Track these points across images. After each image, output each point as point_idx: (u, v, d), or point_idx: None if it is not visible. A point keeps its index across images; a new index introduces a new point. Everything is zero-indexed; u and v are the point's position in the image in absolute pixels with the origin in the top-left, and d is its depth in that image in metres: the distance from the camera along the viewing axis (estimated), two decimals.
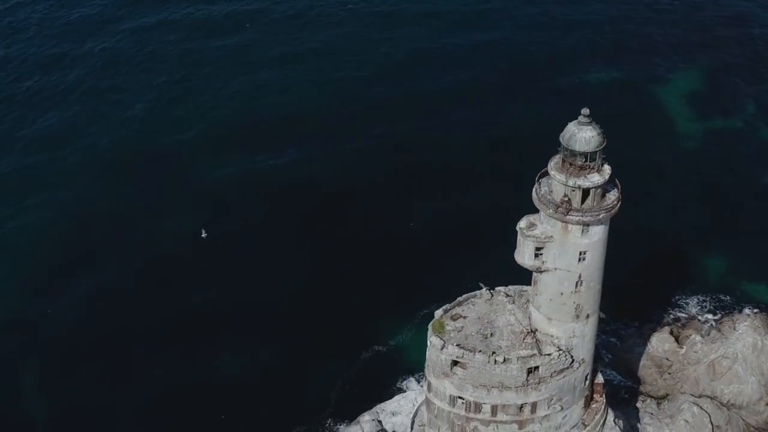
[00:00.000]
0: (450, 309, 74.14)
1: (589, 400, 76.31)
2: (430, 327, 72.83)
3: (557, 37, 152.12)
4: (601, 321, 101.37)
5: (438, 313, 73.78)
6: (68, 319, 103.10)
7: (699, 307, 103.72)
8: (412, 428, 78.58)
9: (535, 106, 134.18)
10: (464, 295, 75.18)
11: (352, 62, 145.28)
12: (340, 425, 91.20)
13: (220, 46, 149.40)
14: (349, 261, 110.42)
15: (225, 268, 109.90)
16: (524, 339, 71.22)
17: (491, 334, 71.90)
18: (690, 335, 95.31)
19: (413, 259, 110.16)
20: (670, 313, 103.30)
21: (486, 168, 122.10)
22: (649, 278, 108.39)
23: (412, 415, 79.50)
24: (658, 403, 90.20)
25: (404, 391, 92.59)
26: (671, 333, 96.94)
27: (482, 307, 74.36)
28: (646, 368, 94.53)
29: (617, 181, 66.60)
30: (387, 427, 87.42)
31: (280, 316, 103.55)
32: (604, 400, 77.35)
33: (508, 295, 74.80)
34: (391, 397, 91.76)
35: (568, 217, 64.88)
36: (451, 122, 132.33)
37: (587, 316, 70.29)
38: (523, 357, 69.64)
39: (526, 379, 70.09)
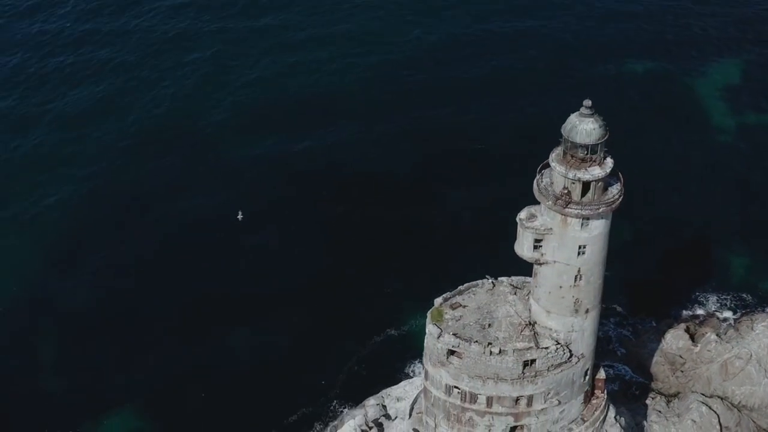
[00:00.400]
0: (450, 297, 73.57)
1: (589, 395, 75.36)
2: (428, 315, 72.42)
3: (594, 27, 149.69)
4: (617, 314, 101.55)
5: (437, 301, 73.30)
6: (95, 296, 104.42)
7: (719, 305, 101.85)
8: (410, 415, 78.34)
9: (567, 97, 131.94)
10: (465, 284, 74.56)
11: (385, 46, 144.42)
12: (345, 408, 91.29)
13: (253, 26, 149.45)
14: (370, 245, 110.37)
15: (252, 248, 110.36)
16: (522, 331, 70.47)
17: (489, 325, 71.22)
18: (706, 333, 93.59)
19: (434, 246, 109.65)
20: (689, 310, 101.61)
21: (515, 158, 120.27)
22: (671, 273, 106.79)
23: (411, 402, 79.24)
24: (668, 401, 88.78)
25: (411, 377, 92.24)
26: (687, 330, 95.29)
27: (483, 297, 73.67)
28: (658, 365, 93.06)
29: (620, 175, 65.46)
30: (390, 412, 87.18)
31: (298, 296, 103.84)
32: (605, 396, 76.34)
33: (514, 287, 74.05)
34: (397, 382, 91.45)
35: (567, 209, 63.89)
36: (480, 110, 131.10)
37: (587, 311, 69.25)
38: (520, 349, 68.91)
39: (522, 372, 69.35)
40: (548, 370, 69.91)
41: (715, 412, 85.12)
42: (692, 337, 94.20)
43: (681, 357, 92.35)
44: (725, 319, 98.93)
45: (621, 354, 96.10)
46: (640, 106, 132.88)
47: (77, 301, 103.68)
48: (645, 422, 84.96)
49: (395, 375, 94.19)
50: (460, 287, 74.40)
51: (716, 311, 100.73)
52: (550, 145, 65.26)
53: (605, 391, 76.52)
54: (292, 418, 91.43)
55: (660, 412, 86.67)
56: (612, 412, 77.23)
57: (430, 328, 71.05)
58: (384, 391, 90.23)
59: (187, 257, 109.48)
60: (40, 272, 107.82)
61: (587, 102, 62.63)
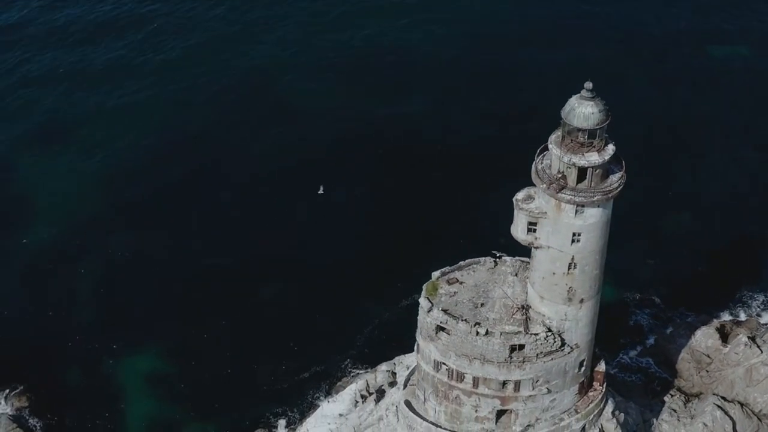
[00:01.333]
0: (449, 272, 72.00)
1: (586, 386, 72.93)
2: (424, 288, 71.12)
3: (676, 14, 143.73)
4: (654, 306, 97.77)
5: (435, 274, 71.87)
6: (157, 258, 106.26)
7: (762, 307, 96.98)
8: (404, 386, 77.38)
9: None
10: (467, 260, 72.83)
11: (493, 19, 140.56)
12: (359, 370, 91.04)
13: None
14: (419, 214, 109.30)
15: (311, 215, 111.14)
16: (513, 314, 68.48)
17: (482, 304, 69.47)
18: (738, 335, 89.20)
19: (483, 219, 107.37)
20: (731, 310, 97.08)
21: None
22: (718, 269, 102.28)
23: (407, 374, 78.26)
24: (687, 401, 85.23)
25: None
26: (721, 330, 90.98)
27: (482, 275, 71.84)
28: (684, 362, 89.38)
29: (623, 163, 62.41)
30: (398, 379, 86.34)
31: (340, 260, 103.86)
32: (603, 390, 73.68)
33: (516, 268, 71.95)
34: (412, 350, 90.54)
35: (560, 194, 61.35)
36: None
37: (581, 301, 66.67)
38: (507, 333, 67.03)
39: (510, 356, 67.48)
40: (537, 356, 67.82)
41: (731, 418, 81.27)
42: (725, 338, 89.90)
43: (708, 356, 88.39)
44: (766, 324, 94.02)
45: (649, 346, 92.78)
46: (719, 93, 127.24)
47: (138, 262, 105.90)
48: (654, 420, 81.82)
49: (413, 342, 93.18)
50: (461, 263, 72.71)
51: (758, 313, 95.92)
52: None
53: (604, 384, 73.87)
54: (303, 374, 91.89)
55: (674, 411, 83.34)
56: (610, 407, 74.58)
57: (422, 302, 69.79)
58: (397, 358, 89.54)
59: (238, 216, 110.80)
60: (103, 217, 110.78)
61: (588, 84, 59.60)
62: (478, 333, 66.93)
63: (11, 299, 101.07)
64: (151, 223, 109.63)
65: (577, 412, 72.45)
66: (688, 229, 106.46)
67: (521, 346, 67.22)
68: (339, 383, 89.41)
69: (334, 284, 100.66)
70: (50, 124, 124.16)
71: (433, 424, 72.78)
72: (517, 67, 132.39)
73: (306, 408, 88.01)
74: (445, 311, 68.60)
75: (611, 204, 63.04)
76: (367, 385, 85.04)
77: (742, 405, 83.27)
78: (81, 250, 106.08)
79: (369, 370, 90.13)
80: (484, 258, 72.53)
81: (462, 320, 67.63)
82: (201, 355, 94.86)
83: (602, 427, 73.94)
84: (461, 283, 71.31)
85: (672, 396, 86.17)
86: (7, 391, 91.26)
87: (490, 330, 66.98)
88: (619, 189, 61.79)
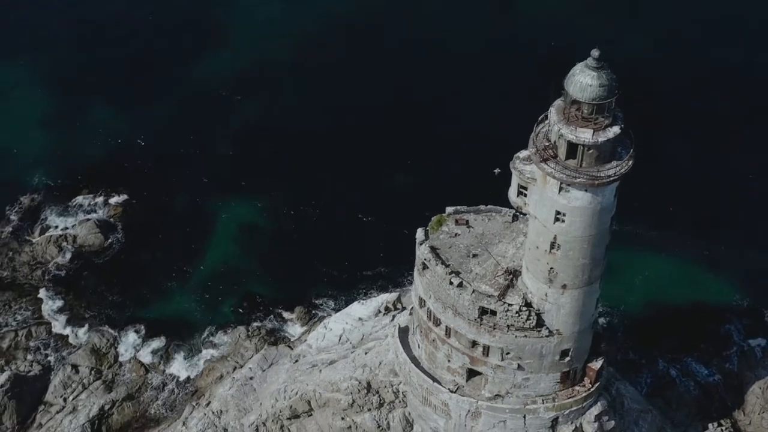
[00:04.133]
0: (463, 212, 67.05)
1: (572, 379, 66.12)
2: (432, 219, 66.99)
3: None
4: (763, 324, 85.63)
5: (448, 209, 67.30)
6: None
7: None
8: (410, 313, 74.26)
9: None
10: (488, 206, 67.32)
11: None
12: (381, 291, 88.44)
13: None
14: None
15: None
16: (497, 275, 62.86)
17: (475, 255, 64.37)
18: None
19: None
20: None
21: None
22: None
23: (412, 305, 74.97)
24: None
25: None
26: None
27: (494, 226, 66.25)
28: (753, 395, 78.51)
29: (630, 153, 53.96)
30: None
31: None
32: (592, 389, 66.40)
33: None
34: None
35: (542, 164, 54.44)
36: None
37: (564, 286, 59.66)
38: (480, 293, 61.82)
39: (480, 318, 62.43)
40: (508, 328, 62.23)
41: None
42: None
43: None
44: None
45: (726, 364, 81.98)
46: None
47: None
48: None
49: None
50: (481, 206, 67.42)
51: None
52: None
53: (595, 383, 66.52)
54: (366, 271, 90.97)
55: None
56: (597, 409, 67.24)
57: (419, 232, 65.85)
58: None
59: None
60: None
61: (595, 52, 51.28)
62: (451, 282, 62.38)
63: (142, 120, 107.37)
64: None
65: (553, 401, 66.24)
66: None
67: (493, 312, 61.90)
68: (379, 289, 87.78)
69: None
70: None
71: (414, 359, 69.75)
72: None
73: (351, 302, 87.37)
74: (433, 249, 64.39)
75: (608, 193, 55.05)
76: (398, 300, 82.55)
77: None
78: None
79: (392, 290, 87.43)
80: (506, 209, 66.51)
81: (442, 264, 63.23)
82: (288, 227, 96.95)
83: (581, 426, 67.20)
84: (469, 227, 66.28)
85: (720, 426, 76.41)
86: (105, 196, 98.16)
87: (464, 283, 62.16)
88: (611, 179, 53.69)
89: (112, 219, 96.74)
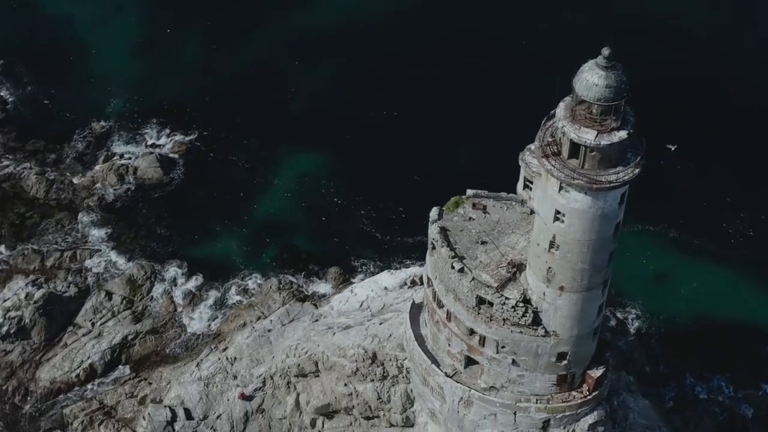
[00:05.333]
0: (482, 196, 65.25)
1: (571, 384, 63.94)
2: (450, 200, 65.56)
3: None
4: None
5: (468, 192, 65.63)
6: None
7: None
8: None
9: None
10: (510, 194, 65.19)
11: None
12: (417, 262, 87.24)
13: None
14: None
15: None
16: (498, 266, 61.09)
17: (483, 242, 62.66)
18: None
19: None
20: None
21: None
22: None
23: None
24: None
25: None
26: None
27: (511, 215, 64.23)
28: None
29: (639, 162, 51.15)
30: None
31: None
32: (589, 397, 64.07)
33: None
34: None
35: (542, 159, 52.26)
36: None
37: (561, 288, 57.44)
38: (479, 282, 60.26)
39: (477, 307, 60.93)
40: (504, 321, 60.54)
41: None
42: None
43: None
44: None
45: (761, 392, 77.95)
46: None
47: None
48: None
49: None
50: (503, 193, 65.35)
51: None
52: None
53: (593, 391, 64.13)
54: (407, 239, 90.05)
55: None
56: (593, 418, 64.81)
57: (433, 211, 64.59)
58: None
59: None
60: None
61: (605, 50, 48.51)
62: (452, 266, 61.00)
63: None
64: None
65: (548, 403, 64.31)
66: None
67: (490, 303, 60.29)
68: (416, 260, 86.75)
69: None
70: None
71: (420, 337, 68.84)
72: None
73: (385, 269, 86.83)
74: (443, 229, 63.07)
75: (611, 199, 52.41)
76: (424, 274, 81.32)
77: None
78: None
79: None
80: None
81: (448, 246, 61.87)
82: (343, 187, 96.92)
83: None
84: (486, 212, 64.47)
85: None
86: (173, 133, 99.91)
87: (465, 269, 60.69)
88: (611, 185, 51.03)
89: (175, 155, 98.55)
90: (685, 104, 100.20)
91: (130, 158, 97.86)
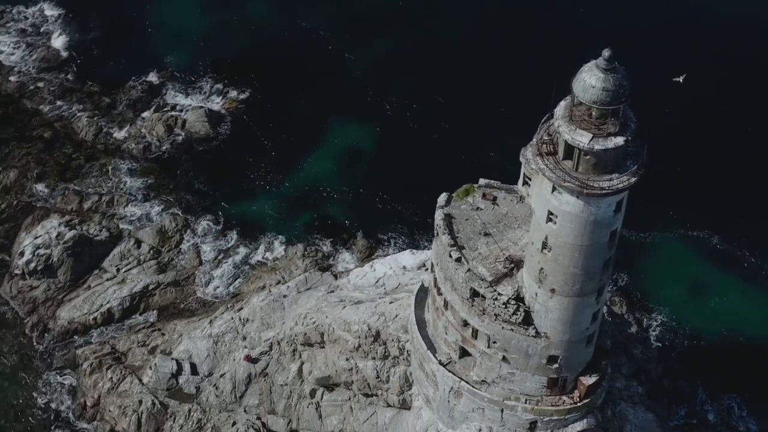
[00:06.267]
0: (494, 187, 63.70)
1: (562, 388, 62.33)
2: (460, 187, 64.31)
3: None
4: None
5: (481, 181, 64.20)
6: None
7: None
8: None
9: None
10: (524, 187, 63.59)
11: None
12: None
13: None
14: None
15: None
16: (496, 260, 59.71)
17: (486, 234, 61.29)
18: None
19: None
20: None
21: None
22: None
23: None
24: None
25: None
26: None
27: (520, 209, 62.43)
28: None
29: (637, 171, 49.10)
30: None
31: None
32: (578, 404, 62.38)
33: None
34: None
35: (536, 157, 50.66)
36: None
37: (552, 290, 55.85)
38: (474, 273, 59.04)
39: (471, 299, 59.83)
40: (496, 317, 59.28)
41: None
42: None
43: None
44: None
45: None
46: None
47: None
48: None
49: None
50: (515, 186, 63.59)
51: None
52: None
53: (583, 399, 62.39)
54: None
55: None
56: (580, 426, 63.09)
57: (442, 196, 63.49)
58: None
59: None
60: None
61: (606, 52, 46.44)
62: (450, 255, 59.92)
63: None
64: None
65: (537, 404, 62.89)
66: None
67: (484, 296, 59.06)
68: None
69: None
70: None
71: (422, 321, 68.07)
72: None
73: (407, 247, 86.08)
74: (449, 216, 61.98)
75: (604, 206, 50.51)
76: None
77: None
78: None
79: None
80: None
81: (450, 234, 60.75)
82: (388, 161, 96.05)
83: None
84: (495, 204, 62.97)
85: None
86: (226, 89, 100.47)
87: (463, 260, 59.55)
88: (603, 192, 49.13)
89: (225, 112, 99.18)
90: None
91: (180, 111, 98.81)
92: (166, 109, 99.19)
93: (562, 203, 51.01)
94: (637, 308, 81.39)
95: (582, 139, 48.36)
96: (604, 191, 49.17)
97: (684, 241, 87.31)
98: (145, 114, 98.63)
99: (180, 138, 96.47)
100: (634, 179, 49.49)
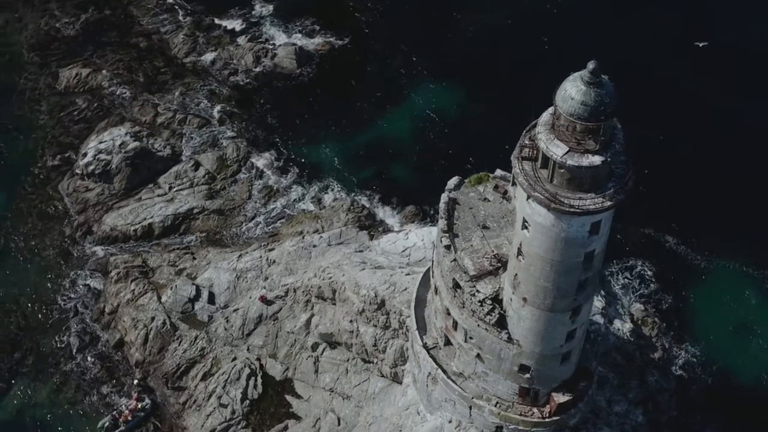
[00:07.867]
0: (508, 180, 61.32)
1: (533, 399, 60.10)
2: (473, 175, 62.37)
3: None
4: None
5: (497, 172, 61.98)
6: None
7: None
8: None
9: None
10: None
11: None
12: None
13: None
14: None
15: None
16: (485, 256, 57.72)
17: (485, 227, 59.26)
18: None
19: None
20: None
21: None
22: None
23: None
24: None
25: None
26: None
27: None
28: None
29: (613, 192, 46.14)
30: None
31: None
32: (546, 420, 59.99)
33: None
34: None
35: (513, 159, 48.40)
36: None
37: (524, 299, 53.61)
38: (458, 265, 57.36)
39: (453, 288, 58.27)
40: (473, 313, 57.56)
41: None
42: None
43: None
44: None
45: None
46: None
47: None
48: None
49: None
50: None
51: None
52: None
53: (554, 416, 59.91)
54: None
55: None
56: None
57: (452, 180, 61.80)
58: None
59: None
60: None
61: (590, 64, 43.41)
62: (441, 241, 58.41)
63: None
64: None
65: (507, 410, 60.97)
66: None
67: (462, 289, 57.41)
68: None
69: None
70: None
71: (421, 300, 66.85)
72: None
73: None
74: (453, 201, 60.31)
75: (576, 224, 47.76)
76: None
77: None
78: None
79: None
80: None
81: (447, 219, 59.15)
82: (464, 128, 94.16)
83: None
84: (504, 197, 60.70)
85: None
86: (322, 31, 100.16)
87: (452, 248, 57.92)
88: (570, 210, 46.41)
89: (315, 52, 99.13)
90: None
91: (273, 45, 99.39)
92: (261, 39, 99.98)
93: (534, 213, 48.61)
94: (668, 334, 77.18)
95: (556, 150, 45.72)
96: (572, 209, 46.48)
97: (743, 275, 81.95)
98: (240, 40, 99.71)
99: (266, 70, 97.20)
100: (609, 203, 46.52)
